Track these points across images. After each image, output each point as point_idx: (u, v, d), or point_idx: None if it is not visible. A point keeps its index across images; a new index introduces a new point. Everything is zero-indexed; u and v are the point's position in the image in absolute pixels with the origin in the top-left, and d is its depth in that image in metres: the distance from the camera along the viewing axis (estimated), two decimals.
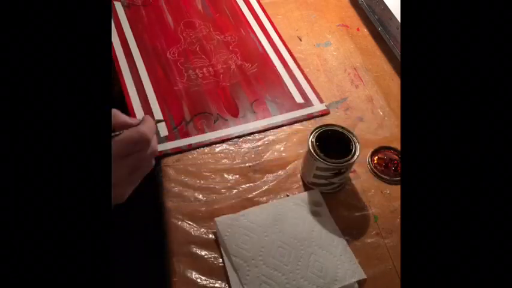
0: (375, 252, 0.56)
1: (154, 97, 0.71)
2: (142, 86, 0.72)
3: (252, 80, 0.75)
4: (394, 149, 0.66)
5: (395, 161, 0.65)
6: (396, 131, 0.69)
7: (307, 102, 0.72)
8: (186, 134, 0.66)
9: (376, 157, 0.66)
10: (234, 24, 0.85)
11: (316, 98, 0.73)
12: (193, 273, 0.52)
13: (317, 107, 0.72)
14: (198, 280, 0.52)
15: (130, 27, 0.81)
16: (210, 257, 0.54)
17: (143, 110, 0.69)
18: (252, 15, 0.87)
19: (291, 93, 0.73)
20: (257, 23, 0.85)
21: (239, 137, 0.67)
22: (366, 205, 0.60)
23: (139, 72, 0.74)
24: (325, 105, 0.72)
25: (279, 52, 0.80)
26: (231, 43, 0.81)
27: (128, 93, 0.71)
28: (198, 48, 0.79)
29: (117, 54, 0.76)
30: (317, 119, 0.70)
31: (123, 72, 0.74)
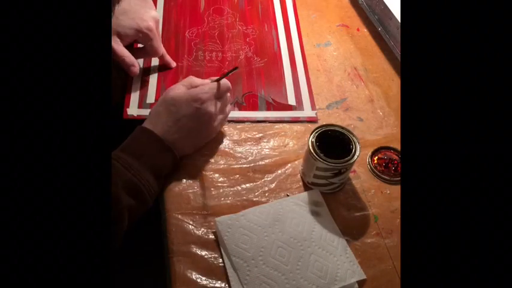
0: (375, 252, 0.56)
1: (157, 66, 0.74)
2: None
3: (254, 73, 0.75)
4: (394, 149, 0.66)
5: (396, 161, 0.65)
6: (396, 131, 0.69)
7: (299, 106, 0.71)
8: None
9: (376, 157, 0.66)
10: (260, 18, 0.85)
11: (309, 103, 0.71)
12: (193, 273, 0.52)
13: (306, 112, 0.70)
14: (198, 280, 0.52)
15: (164, 1, 0.86)
16: (210, 257, 0.54)
17: (142, 73, 0.72)
18: (282, 13, 0.86)
19: (286, 94, 0.73)
20: (283, 21, 0.85)
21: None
22: (366, 205, 0.60)
23: None
24: (315, 113, 0.70)
25: (293, 54, 0.79)
26: (250, 35, 0.81)
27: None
28: (216, 34, 0.81)
29: None
30: (306, 123, 0.69)
31: None
